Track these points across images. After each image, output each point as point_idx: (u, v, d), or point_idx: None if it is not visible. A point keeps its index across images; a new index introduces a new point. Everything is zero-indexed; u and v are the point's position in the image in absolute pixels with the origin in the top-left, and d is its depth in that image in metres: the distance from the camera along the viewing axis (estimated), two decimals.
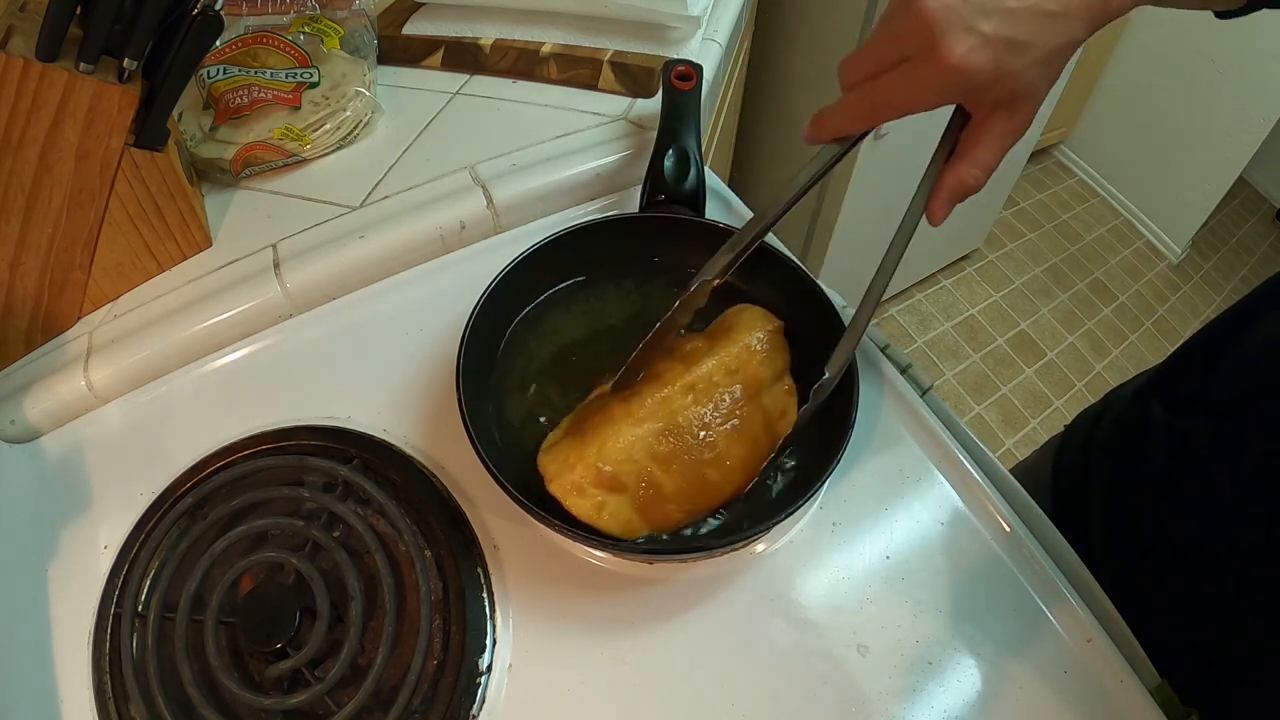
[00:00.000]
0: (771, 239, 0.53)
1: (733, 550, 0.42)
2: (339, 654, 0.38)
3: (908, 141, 1.22)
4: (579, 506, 0.39)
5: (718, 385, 0.43)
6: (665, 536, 0.42)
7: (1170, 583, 0.45)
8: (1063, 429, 0.62)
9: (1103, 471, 0.52)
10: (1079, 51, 0.37)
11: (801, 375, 0.45)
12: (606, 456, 0.40)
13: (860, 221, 1.38)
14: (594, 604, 0.41)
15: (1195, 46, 1.83)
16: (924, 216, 0.39)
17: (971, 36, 0.32)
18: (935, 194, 0.38)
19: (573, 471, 0.40)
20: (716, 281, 0.41)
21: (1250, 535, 0.40)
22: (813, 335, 0.46)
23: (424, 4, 0.69)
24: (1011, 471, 0.65)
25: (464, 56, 0.67)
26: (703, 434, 0.41)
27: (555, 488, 0.40)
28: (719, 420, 0.42)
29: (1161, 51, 1.93)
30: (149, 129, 0.47)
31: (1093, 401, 0.59)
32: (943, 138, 0.39)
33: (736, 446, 0.42)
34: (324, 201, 0.57)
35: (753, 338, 0.44)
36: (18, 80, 0.41)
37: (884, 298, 0.42)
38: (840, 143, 0.39)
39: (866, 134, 0.39)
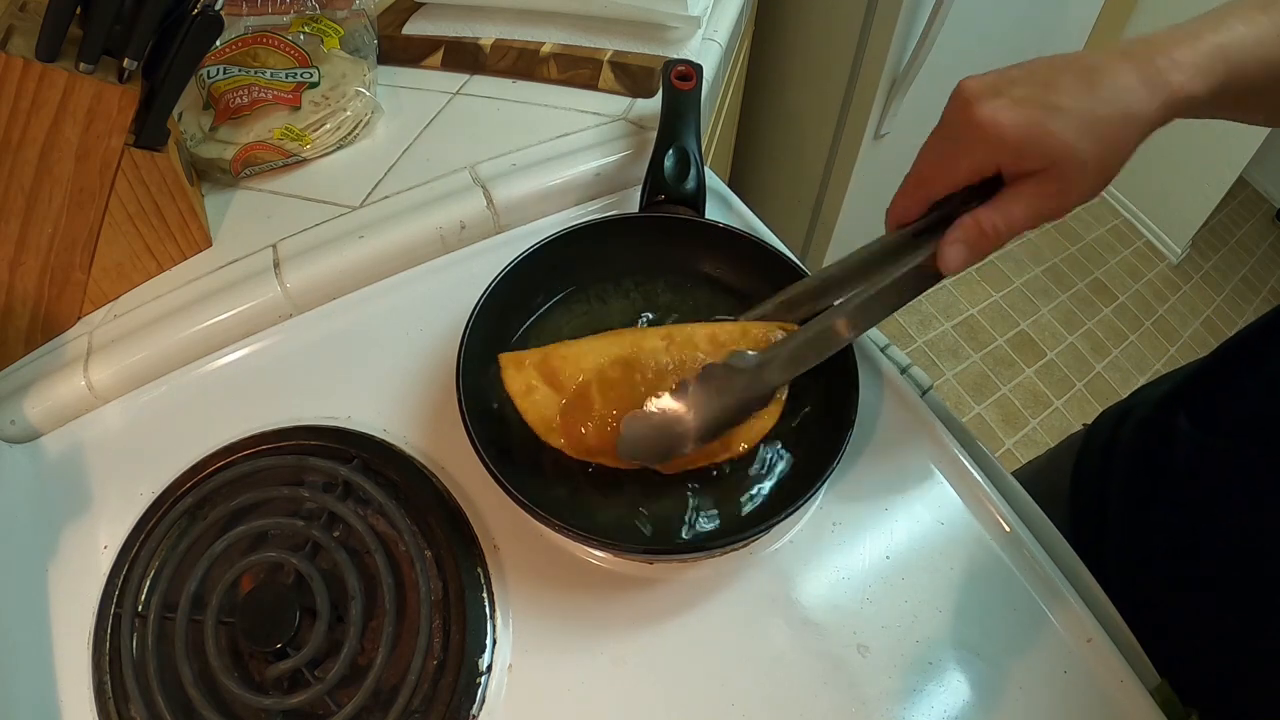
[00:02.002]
0: (772, 239, 0.54)
1: (733, 550, 0.42)
2: (339, 654, 0.38)
3: (908, 141, 1.22)
4: (512, 380, 0.41)
5: (696, 347, 0.43)
6: (590, 468, 0.42)
7: (1181, 587, 0.45)
8: (1082, 427, 0.61)
9: (1124, 474, 0.52)
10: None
11: (797, 382, 0.45)
12: (559, 353, 0.42)
13: (860, 221, 1.38)
14: (594, 604, 0.41)
15: None
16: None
17: (1001, 98, 0.33)
18: (948, 234, 0.36)
19: (525, 354, 0.42)
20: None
21: (1265, 548, 0.40)
22: None
23: (424, 4, 0.69)
24: (1024, 469, 0.65)
25: (464, 56, 0.67)
26: (653, 377, 0.42)
27: (503, 359, 0.42)
28: (675, 376, 0.42)
29: None
30: (149, 129, 0.47)
31: (1093, 400, 0.58)
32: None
33: None
34: (324, 201, 0.57)
35: (755, 324, 0.44)
36: (18, 80, 0.41)
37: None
38: (906, 227, 0.39)
39: (932, 230, 0.38)
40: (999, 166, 0.34)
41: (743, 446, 0.42)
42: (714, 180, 0.59)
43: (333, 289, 0.54)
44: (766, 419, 0.43)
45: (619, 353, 0.42)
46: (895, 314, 1.92)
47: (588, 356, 0.42)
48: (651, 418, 0.40)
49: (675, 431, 0.40)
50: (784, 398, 0.45)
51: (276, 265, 0.53)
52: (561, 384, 0.42)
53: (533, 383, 0.42)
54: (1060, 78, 0.33)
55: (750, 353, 0.41)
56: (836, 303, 0.42)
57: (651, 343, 0.43)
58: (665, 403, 0.40)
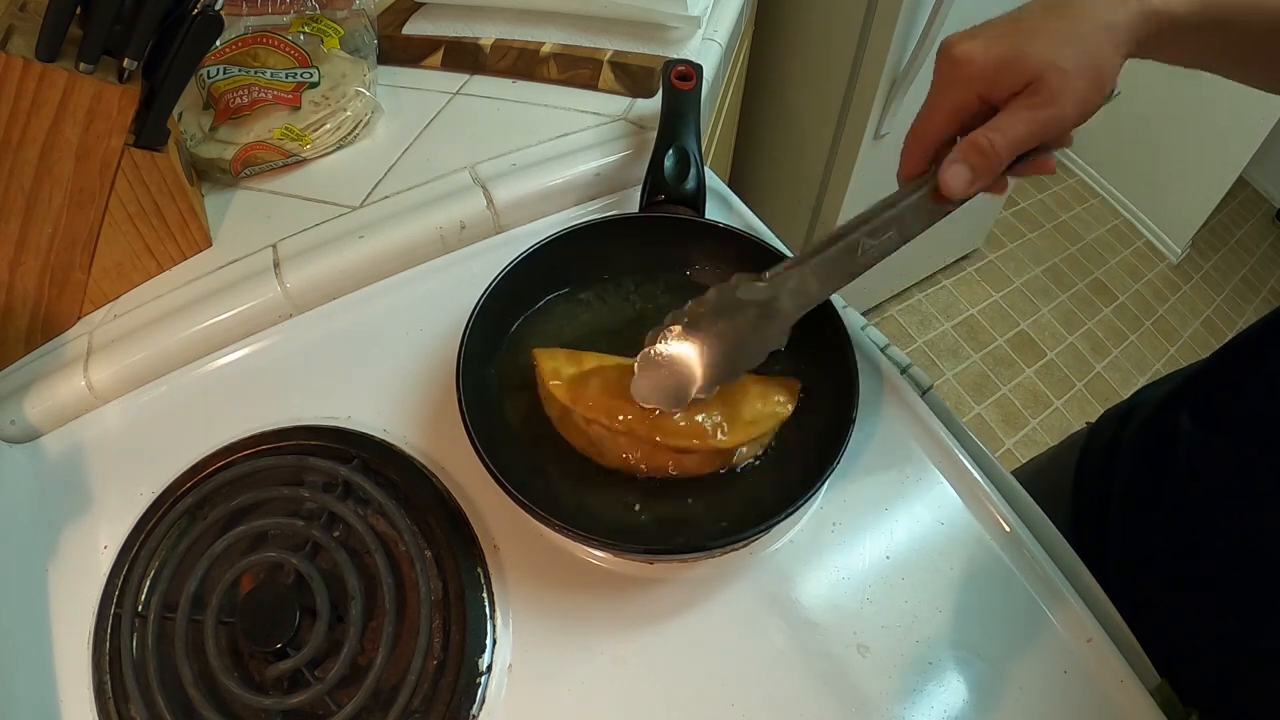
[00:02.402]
0: (772, 239, 0.54)
1: (733, 550, 0.42)
2: (339, 654, 0.38)
3: None
4: (542, 355, 0.44)
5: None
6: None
7: (1181, 587, 0.45)
8: (1084, 426, 0.61)
9: (1127, 473, 0.52)
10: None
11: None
12: (588, 357, 0.45)
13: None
14: (594, 604, 0.41)
15: None
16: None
17: (976, 39, 0.35)
18: (948, 157, 0.37)
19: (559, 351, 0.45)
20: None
21: (1265, 548, 0.40)
22: (812, 335, 0.46)
23: (424, 4, 0.69)
24: (1025, 468, 0.65)
25: (464, 56, 0.67)
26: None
27: (536, 352, 0.45)
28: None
29: None
30: (149, 129, 0.47)
31: (1093, 400, 0.59)
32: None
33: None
34: (324, 201, 0.57)
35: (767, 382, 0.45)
36: (18, 80, 0.41)
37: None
38: (916, 180, 0.39)
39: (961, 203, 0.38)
40: (980, 96, 0.36)
41: (759, 442, 0.43)
42: (714, 180, 0.59)
43: (333, 289, 0.54)
44: (784, 409, 0.44)
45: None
46: (895, 314, 1.90)
47: (609, 360, 0.45)
48: (662, 357, 0.41)
49: (688, 369, 0.41)
50: (798, 388, 0.45)
51: (276, 265, 0.53)
52: (582, 362, 0.45)
53: (562, 358, 0.45)
54: (1031, 10, 0.35)
55: (759, 283, 0.41)
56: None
57: None
58: (675, 341, 0.41)
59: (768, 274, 0.41)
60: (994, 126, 0.35)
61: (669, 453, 0.42)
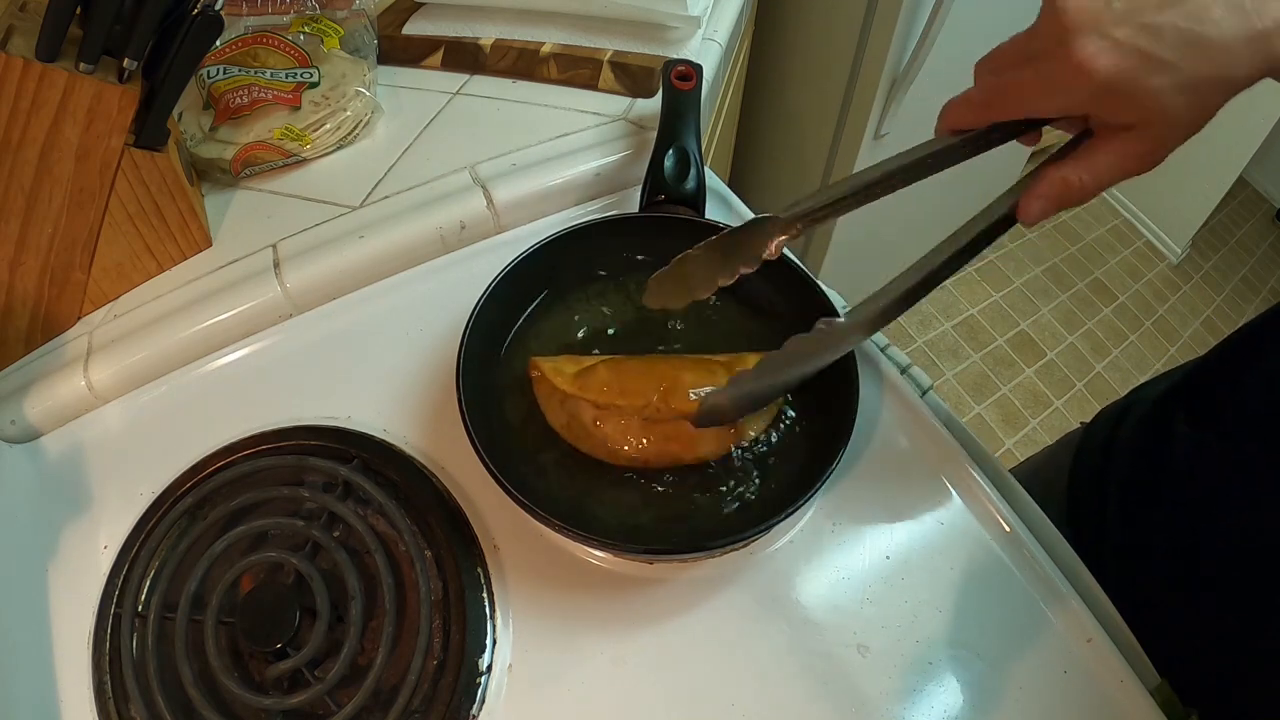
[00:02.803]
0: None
1: (733, 550, 0.42)
2: (339, 654, 0.38)
3: (907, 141, 1.21)
4: (542, 361, 0.45)
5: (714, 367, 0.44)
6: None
7: (1181, 587, 0.45)
8: (1080, 425, 0.61)
9: (1123, 472, 0.52)
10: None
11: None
12: (587, 360, 0.46)
13: (860, 221, 1.38)
14: (594, 604, 0.41)
15: None
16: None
17: (1105, 40, 0.30)
18: (1032, 187, 0.34)
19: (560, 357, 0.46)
20: (781, 236, 0.40)
21: (1265, 548, 0.40)
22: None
23: (424, 4, 0.69)
24: (1022, 467, 0.65)
25: (464, 56, 0.67)
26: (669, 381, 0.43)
27: (535, 360, 0.45)
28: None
29: None
30: (149, 129, 0.47)
31: (1093, 400, 0.59)
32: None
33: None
34: (324, 201, 0.57)
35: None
36: (18, 80, 0.41)
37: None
38: (958, 135, 0.36)
39: (986, 142, 0.36)
40: (1088, 113, 0.33)
41: (750, 432, 0.44)
42: (714, 180, 0.59)
43: (333, 289, 0.54)
44: (763, 416, 0.44)
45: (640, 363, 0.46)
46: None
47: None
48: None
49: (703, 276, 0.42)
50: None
51: (276, 265, 0.53)
52: (582, 362, 0.45)
53: (565, 359, 0.46)
54: (1164, 20, 0.30)
55: (838, 320, 0.39)
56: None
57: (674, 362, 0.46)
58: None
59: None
60: (1089, 166, 0.33)
61: (682, 435, 0.43)
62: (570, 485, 0.43)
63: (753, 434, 0.44)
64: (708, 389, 0.42)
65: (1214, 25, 0.30)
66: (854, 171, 0.38)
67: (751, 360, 0.44)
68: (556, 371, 0.44)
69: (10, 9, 0.43)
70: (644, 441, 0.43)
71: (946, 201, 1.27)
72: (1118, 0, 0.31)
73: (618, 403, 0.42)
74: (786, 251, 0.50)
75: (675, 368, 0.44)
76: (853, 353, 0.44)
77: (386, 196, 0.57)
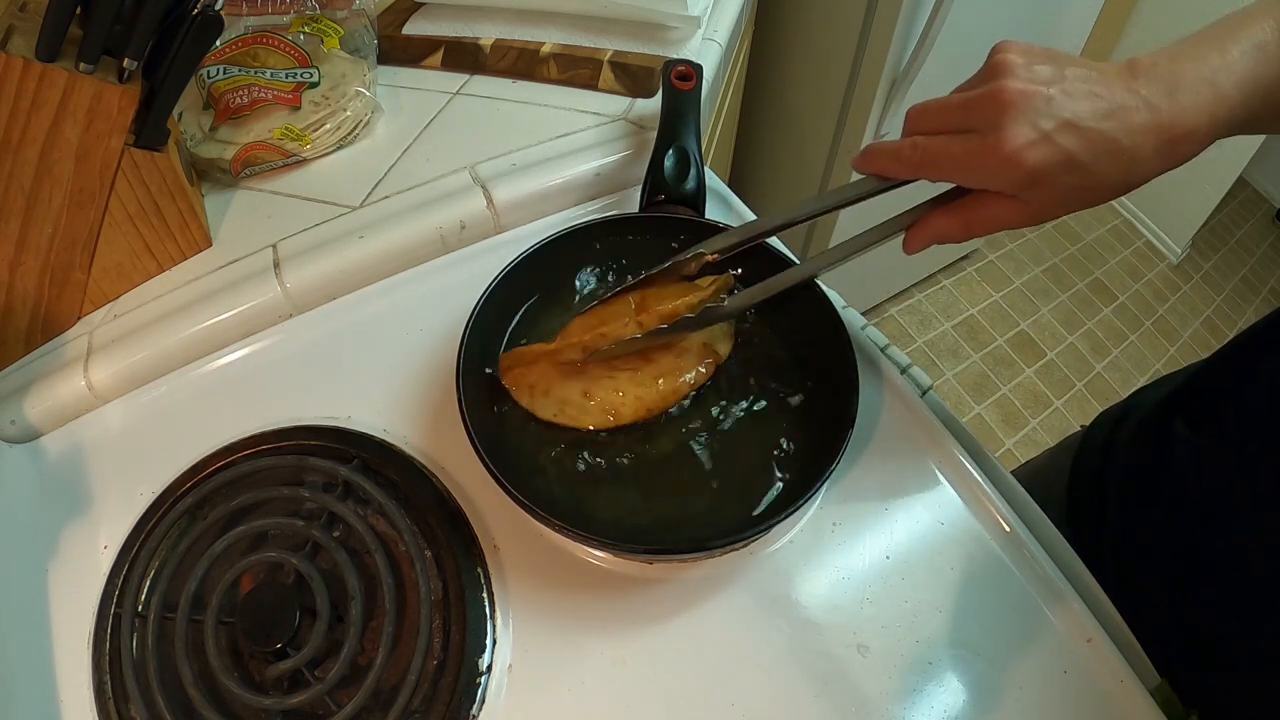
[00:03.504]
0: (772, 239, 0.53)
1: (733, 550, 0.42)
2: (339, 654, 0.38)
3: None
4: (508, 355, 0.46)
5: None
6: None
7: (1181, 587, 0.45)
8: (1079, 429, 0.61)
9: (1122, 475, 0.52)
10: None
11: (797, 382, 0.45)
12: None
13: (860, 222, 1.38)
14: (594, 604, 0.41)
15: None
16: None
17: (1035, 133, 0.32)
18: (919, 227, 0.39)
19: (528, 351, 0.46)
20: (711, 257, 0.46)
21: (1265, 548, 0.40)
22: (811, 336, 0.46)
23: (424, 4, 0.69)
24: (1022, 469, 0.65)
25: (464, 56, 0.67)
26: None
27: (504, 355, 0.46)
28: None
29: None
30: (149, 129, 0.47)
31: (1093, 401, 0.59)
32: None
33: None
34: (324, 201, 0.57)
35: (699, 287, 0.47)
36: (18, 80, 0.41)
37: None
38: (881, 181, 0.40)
39: (908, 182, 0.39)
40: (1000, 189, 0.35)
41: (721, 351, 0.47)
42: (714, 180, 0.59)
43: (333, 289, 0.54)
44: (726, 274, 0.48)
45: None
46: (895, 314, 1.90)
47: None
48: None
49: None
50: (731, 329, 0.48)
51: (276, 265, 0.53)
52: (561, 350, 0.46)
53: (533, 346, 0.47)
54: (1093, 127, 0.32)
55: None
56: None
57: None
58: None
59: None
60: (965, 221, 0.37)
61: (667, 367, 0.45)
62: (570, 485, 0.43)
63: (723, 352, 0.47)
64: (675, 302, 0.45)
65: (1132, 137, 0.32)
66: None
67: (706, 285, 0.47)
68: (528, 350, 0.45)
69: (10, 9, 0.43)
70: (639, 393, 0.44)
71: None
72: (1053, 87, 0.33)
73: (602, 331, 0.44)
74: (788, 252, 0.50)
75: (639, 295, 0.47)
76: (853, 353, 0.44)
77: (386, 196, 0.57)
